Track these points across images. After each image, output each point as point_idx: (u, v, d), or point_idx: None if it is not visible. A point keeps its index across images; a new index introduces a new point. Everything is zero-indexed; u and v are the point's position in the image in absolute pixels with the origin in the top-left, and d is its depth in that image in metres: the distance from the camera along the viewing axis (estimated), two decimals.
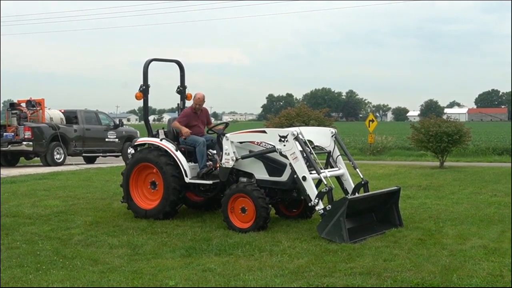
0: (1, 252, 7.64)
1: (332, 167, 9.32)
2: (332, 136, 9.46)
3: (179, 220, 9.75)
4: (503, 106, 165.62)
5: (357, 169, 9.38)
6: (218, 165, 9.55)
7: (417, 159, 24.52)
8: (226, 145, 9.20)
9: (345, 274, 6.48)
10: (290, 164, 8.67)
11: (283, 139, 8.69)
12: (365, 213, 8.90)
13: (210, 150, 10.19)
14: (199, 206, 10.73)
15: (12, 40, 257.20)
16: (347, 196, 8.57)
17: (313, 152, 8.94)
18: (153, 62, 10.46)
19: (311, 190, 8.42)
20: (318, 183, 8.79)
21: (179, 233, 8.75)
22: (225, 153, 9.20)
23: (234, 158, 9.14)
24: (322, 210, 8.24)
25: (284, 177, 8.99)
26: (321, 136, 9.52)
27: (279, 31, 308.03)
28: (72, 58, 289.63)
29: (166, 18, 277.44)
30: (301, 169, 8.51)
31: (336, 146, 9.44)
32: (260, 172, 9.18)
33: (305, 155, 8.59)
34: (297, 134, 8.67)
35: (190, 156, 9.98)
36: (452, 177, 16.40)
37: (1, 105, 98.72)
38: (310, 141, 9.07)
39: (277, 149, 8.78)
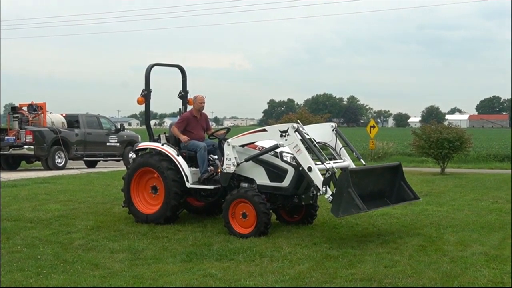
0: (1, 256, 7.64)
1: (336, 159, 9.33)
2: (333, 130, 9.49)
3: (180, 225, 9.75)
4: (504, 113, 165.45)
5: (361, 159, 9.45)
6: (219, 170, 9.56)
7: (418, 165, 24.48)
8: (227, 150, 9.21)
9: (346, 280, 6.49)
10: (295, 158, 8.65)
11: (284, 134, 8.71)
12: (378, 198, 8.91)
13: (212, 155, 10.20)
14: (200, 211, 10.73)
15: (13, 44, 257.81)
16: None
17: (316, 145, 8.92)
18: (155, 67, 10.49)
19: (318, 180, 8.42)
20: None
21: (180, 238, 8.75)
22: (227, 159, 9.21)
23: (236, 164, 9.15)
24: (331, 197, 8.26)
25: (285, 182, 8.99)
26: (322, 132, 9.55)
27: (281, 36, 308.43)
28: (73, 62, 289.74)
29: (168, 22, 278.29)
30: (305, 160, 8.52)
31: (338, 139, 9.47)
32: (261, 178, 9.18)
33: (308, 146, 8.59)
34: (297, 126, 8.69)
35: (192, 161, 9.98)
36: (453, 183, 16.40)
37: (3, 108, 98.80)
38: (313, 139, 9.07)
39: (279, 144, 8.80)
